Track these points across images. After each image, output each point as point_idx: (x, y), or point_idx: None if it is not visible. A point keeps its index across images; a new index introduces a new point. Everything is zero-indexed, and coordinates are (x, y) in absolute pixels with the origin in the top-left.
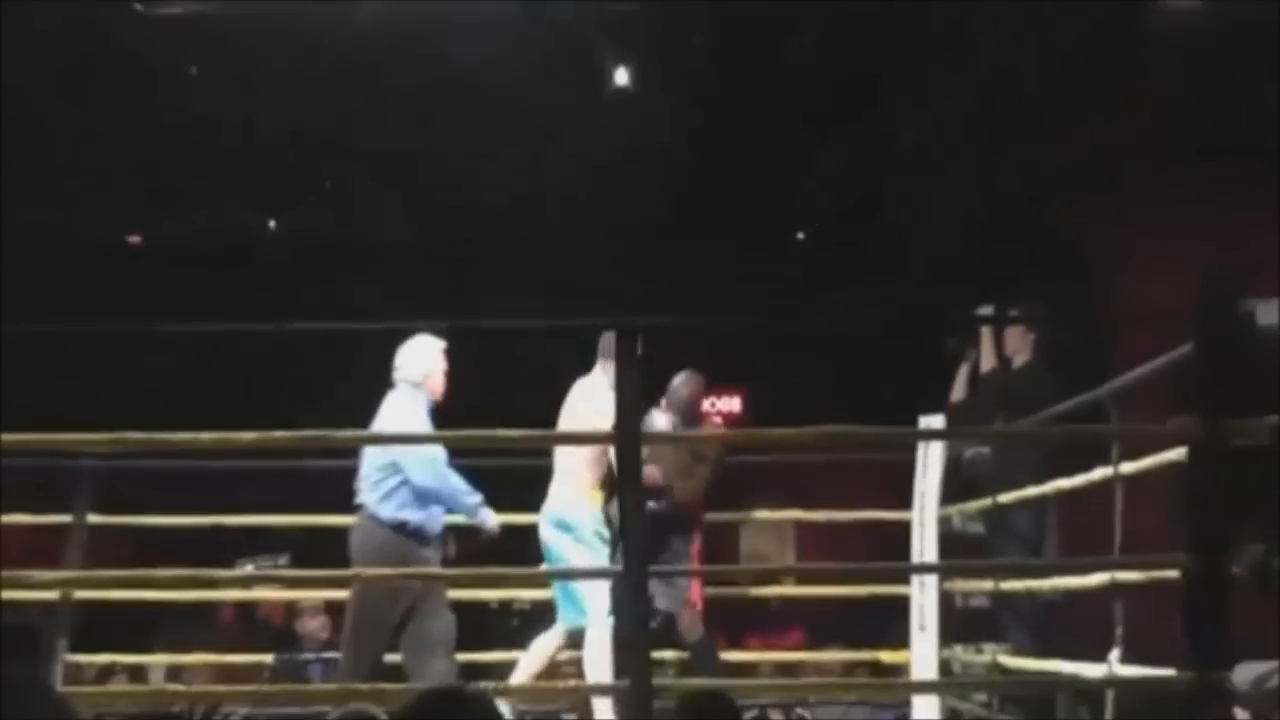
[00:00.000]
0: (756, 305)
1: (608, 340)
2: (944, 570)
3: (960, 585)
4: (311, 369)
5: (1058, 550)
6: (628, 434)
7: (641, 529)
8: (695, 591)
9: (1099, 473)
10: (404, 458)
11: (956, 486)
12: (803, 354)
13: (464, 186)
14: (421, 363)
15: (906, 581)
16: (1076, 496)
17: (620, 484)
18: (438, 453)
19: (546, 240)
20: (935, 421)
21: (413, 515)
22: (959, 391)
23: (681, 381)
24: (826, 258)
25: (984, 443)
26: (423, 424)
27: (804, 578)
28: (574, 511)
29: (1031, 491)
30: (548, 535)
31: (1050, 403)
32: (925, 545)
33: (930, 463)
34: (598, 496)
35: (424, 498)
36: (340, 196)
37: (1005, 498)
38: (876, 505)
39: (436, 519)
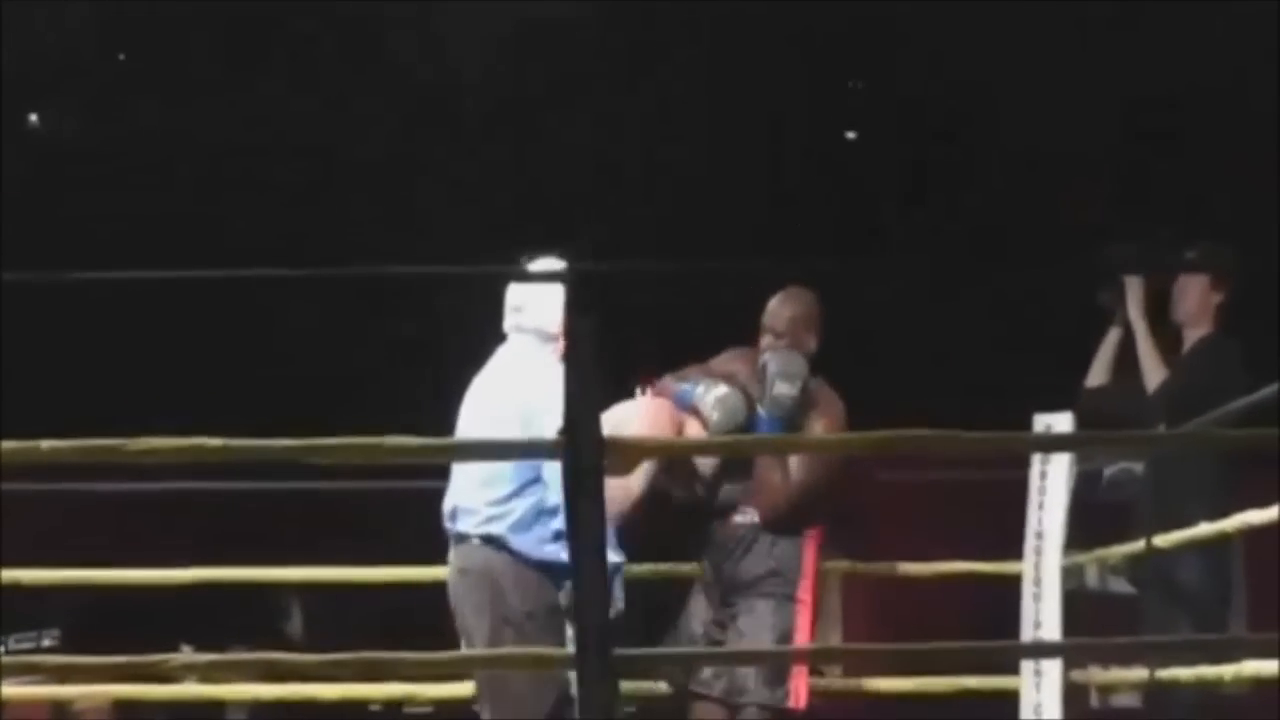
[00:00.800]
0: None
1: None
2: (1072, 651)
3: (1099, 675)
4: None
5: (1248, 618)
6: (582, 429)
7: (603, 580)
8: (801, 681)
9: None
10: (553, 464)
11: (1092, 523)
12: (856, 318)
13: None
14: (558, 306)
15: (1014, 669)
16: (1274, 539)
17: (570, 506)
18: None
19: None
20: (1061, 424)
21: (561, 553)
22: (1100, 373)
23: (781, 301)
24: (886, 168)
25: (1136, 455)
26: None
27: (857, 664)
28: None
29: (1208, 529)
30: None
31: (1238, 394)
32: (1043, 613)
33: (1051, 486)
34: None
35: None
36: None
37: (1168, 539)
38: (966, 553)
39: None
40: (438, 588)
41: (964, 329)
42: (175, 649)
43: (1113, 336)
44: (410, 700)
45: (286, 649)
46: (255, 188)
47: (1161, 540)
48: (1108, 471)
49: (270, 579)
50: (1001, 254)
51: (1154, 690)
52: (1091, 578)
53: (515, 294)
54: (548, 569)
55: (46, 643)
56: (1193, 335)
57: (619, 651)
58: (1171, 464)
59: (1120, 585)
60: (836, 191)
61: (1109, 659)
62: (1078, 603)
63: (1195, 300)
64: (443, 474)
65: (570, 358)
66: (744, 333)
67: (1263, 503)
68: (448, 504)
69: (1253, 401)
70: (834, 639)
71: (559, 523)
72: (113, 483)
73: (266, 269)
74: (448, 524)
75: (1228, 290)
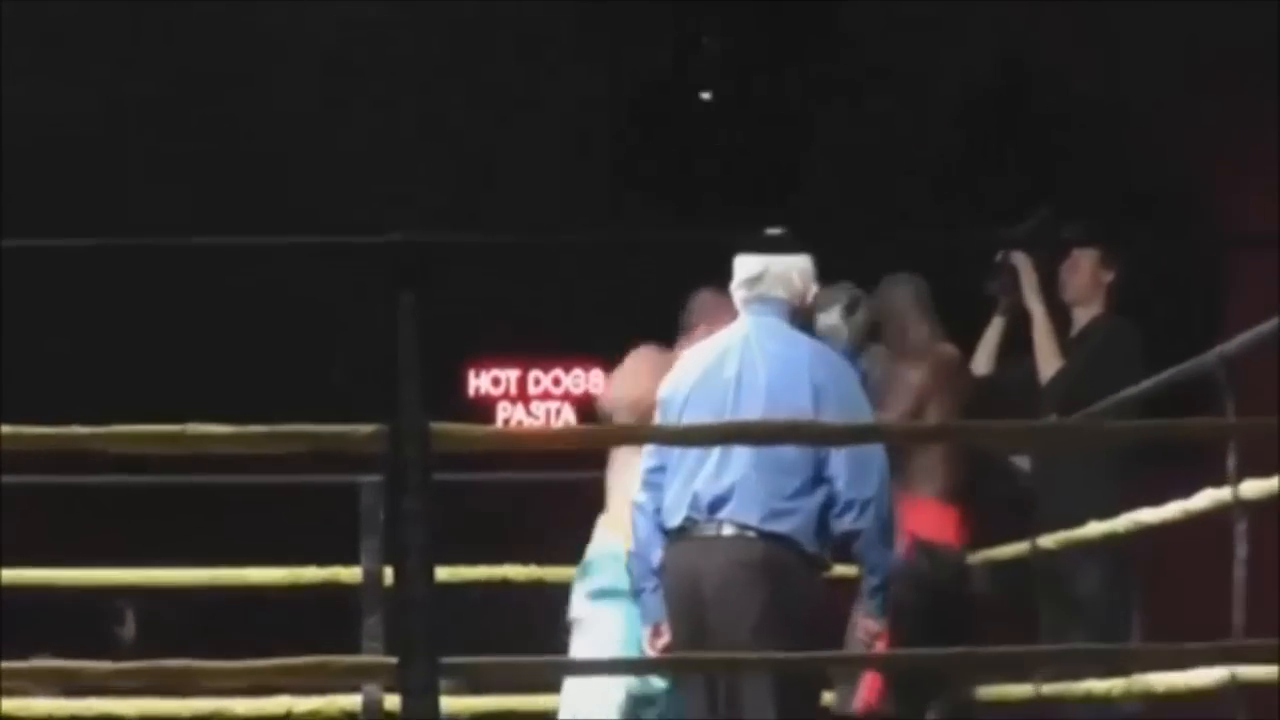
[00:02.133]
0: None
1: (698, 302)
2: (953, 663)
3: (984, 691)
4: None
5: (1141, 627)
6: (406, 417)
7: (427, 584)
8: (871, 685)
9: (1206, 498)
10: (843, 454)
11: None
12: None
13: None
14: (804, 272)
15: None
16: (1172, 537)
17: (391, 504)
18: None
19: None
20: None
21: (826, 555)
22: (984, 361)
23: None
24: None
25: (1018, 449)
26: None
27: None
28: (608, 565)
29: (1098, 529)
30: (581, 613)
31: (1131, 382)
32: None
33: None
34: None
35: (871, 532)
36: None
37: (1054, 540)
38: None
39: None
40: (306, 592)
41: None
42: None
43: (998, 324)
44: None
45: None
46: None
47: (1049, 541)
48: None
49: (93, 581)
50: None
51: (1044, 705)
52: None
53: (749, 262)
54: (824, 566)
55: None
56: (1084, 316)
57: (445, 660)
58: (1062, 459)
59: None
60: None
61: (994, 672)
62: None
63: (1086, 278)
64: (331, 467)
65: (394, 337)
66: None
67: (1156, 500)
68: (699, 491)
69: (1146, 389)
70: None
71: (841, 523)
72: None
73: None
74: (690, 512)
75: (1119, 268)
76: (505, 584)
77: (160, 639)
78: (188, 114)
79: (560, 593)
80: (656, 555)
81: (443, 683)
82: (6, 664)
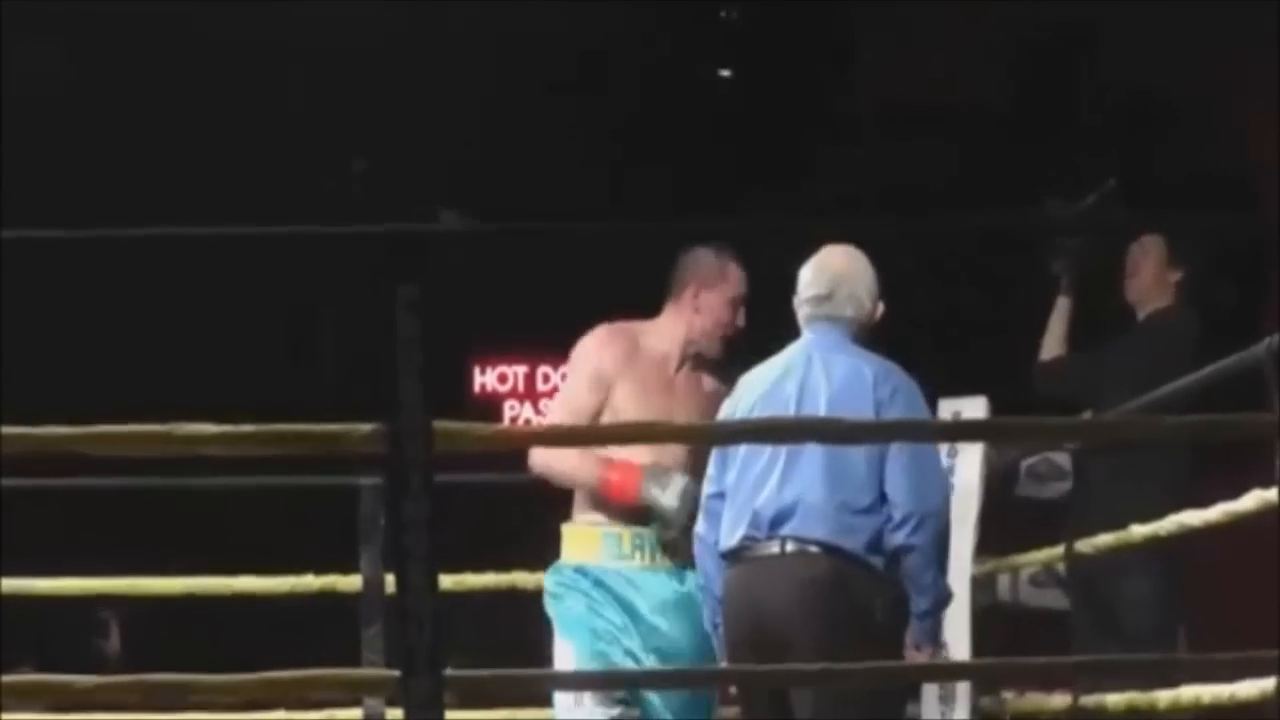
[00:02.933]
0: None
1: (692, 260)
2: (983, 674)
3: (1020, 703)
4: None
5: (1186, 635)
6: (407, 415)
7: (427, 586)
8: None
9: (1253, 499)
10: (903, 467)
11: (1008, 525)
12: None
13: None
14: (872, 291)
15: (913, 697)
16: (1217, 541)
17: (392, 507)
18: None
19: None
20: (972, 409)
21: (892, 573)
22: (1054, 345)
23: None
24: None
25: (1056, 445)
26: None
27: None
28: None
29: (1140, 533)
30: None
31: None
32: (951, 630)
33: (960, 482)
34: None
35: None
36: None
37: (1097, 542)
38: None
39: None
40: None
41: None
42: None
43: (1063, 305)
44: None
45: (97, 673)
46: None
47: (1090, 544)
48: (1026, 463)
49: (75, 591)
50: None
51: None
52: (1005, 588)
53: (819, 278)
54: (892, 583)
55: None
56: (1148, 306)
57: (449, 673)
58: (1107, 458)
59: (1045, 597)
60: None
61: (1032, 685)
62: (993, 619)
63: (1149, 279)
64: (328, 468)
65: (395, 331)
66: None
67: (1204, 501)
68: (766, 504)
69: (1200, 380)
70: None
71: (895, 538)
72: None
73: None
74: (750, 531)
75: (1188, 265)
76: (513, 592)
77: (147, 652)
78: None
79: None
80: (719, 585)
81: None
82: None
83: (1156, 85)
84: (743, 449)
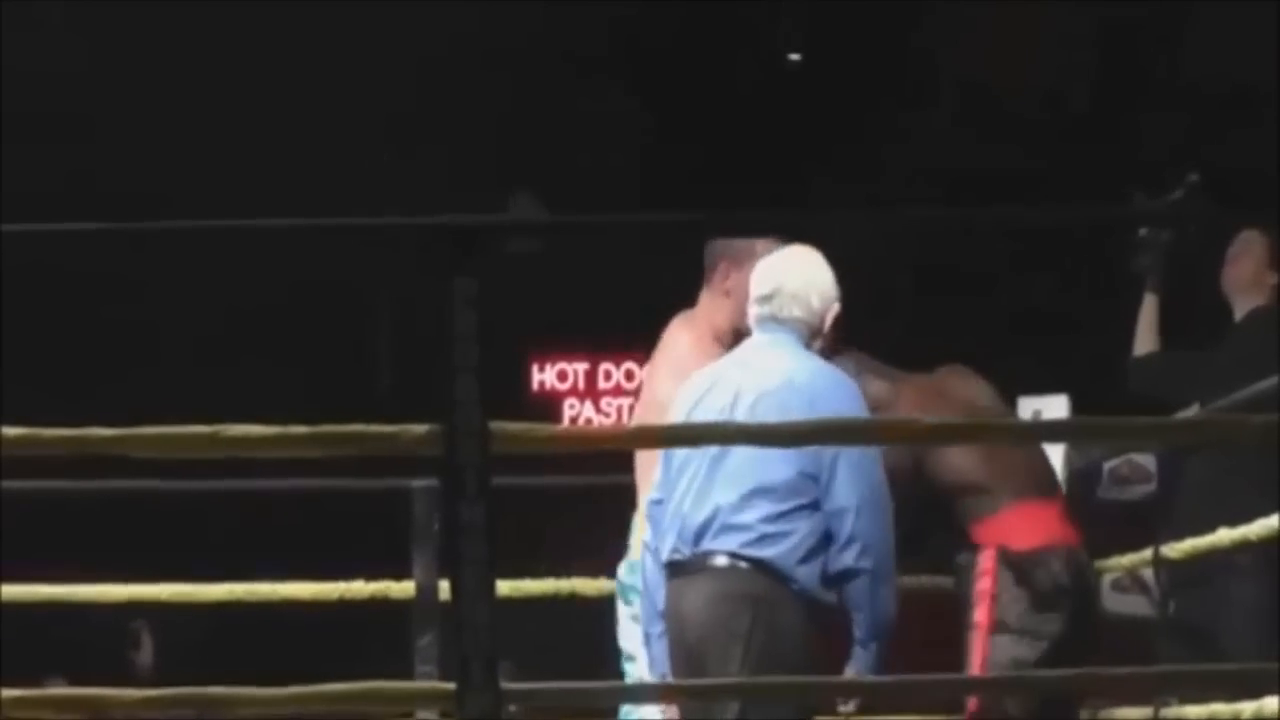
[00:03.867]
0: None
1: (721, 246)
2: (1060, 686)
3: (1103, 717)
4: None
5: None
6: (462, 415)
7: (488, 604)
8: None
9: None
10: (851, 487)
11: (1090, 530)
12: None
13: None
14: (824, 294)
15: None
16: None
17: (448, 512)
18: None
19: None
20: (1054, 409)
21: (822, 592)
22: (1148, 340)
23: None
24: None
25: (1142, 446)
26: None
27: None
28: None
29: (1228, 536)
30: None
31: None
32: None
33: None
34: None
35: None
36: None
37: (1190, 546)
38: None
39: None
40: (335, 610)
41: (924, 292)
42: None
43: (1151, 302)
44: None
45: (130, 685)
46: None
47: (1181, 548)
48: (1108, 465)
49: (107, 598)
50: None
51: None
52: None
53: (765, 279)
54: (817, 602)
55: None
56: (1245, 304)
57: (507, 686)
58: (1199, 460)
59: (1131, 605)
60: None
61: (1118, 699)
62: None
63: (1248, 274)
64: (380, 471)
65: (450, 326)
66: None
67: None
68: (687, 519)
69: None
70: None
71: (842, 560)
72: None
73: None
74: (677, 544)
75: None
76: (574, 599)
77: (181, 664)
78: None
79: None
80: (661, 597)
81: None
82: (17, 692)
83: (1240, 75)
84: (680, 454)
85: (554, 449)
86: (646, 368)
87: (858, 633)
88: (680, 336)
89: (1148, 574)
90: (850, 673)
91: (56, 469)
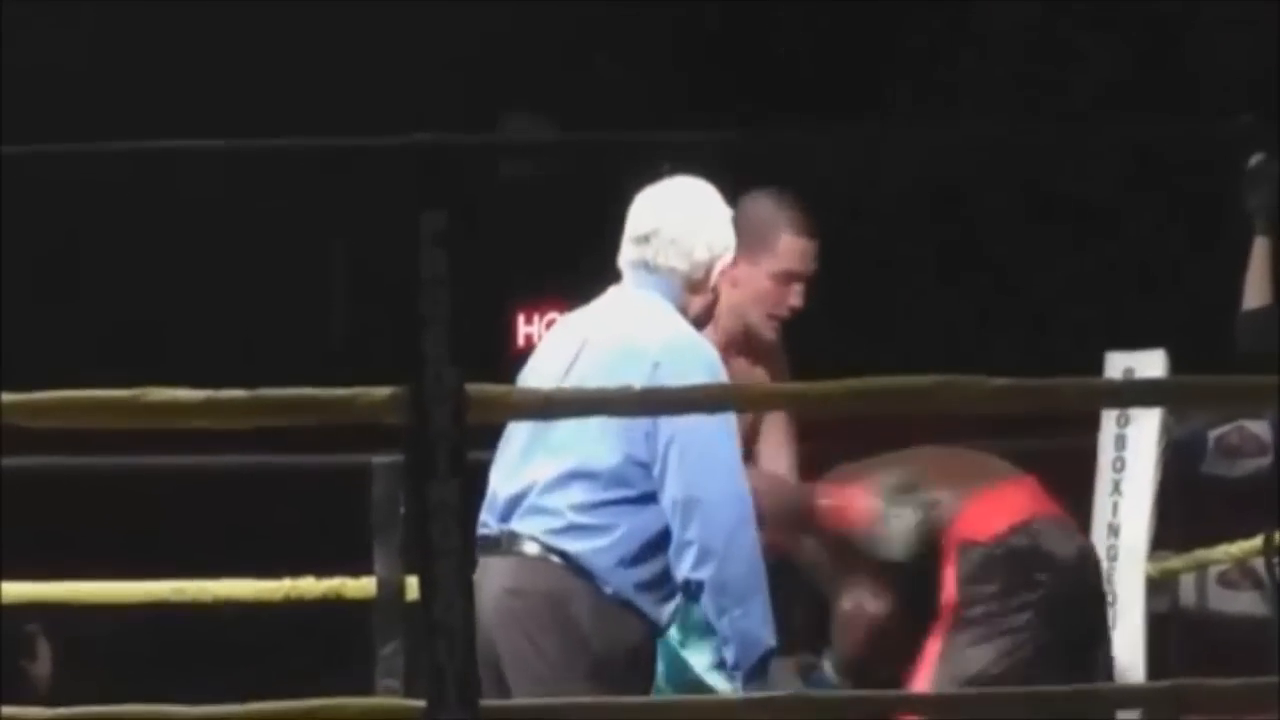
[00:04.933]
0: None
1: (741, 214)
2: (1162, 698)
3: None
4: None
5: None
6: (431, 375)
7: (459, 590)
8: None
9: None
10: (685, 478)
11: (1194, 511)
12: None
13: None
14: (712, 243)
15: None
16: None
17: (414, 493)
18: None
19: None
20: (1149, 366)
21: (663, 612)
22: (1259, 292)
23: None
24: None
25: (1255, 412)
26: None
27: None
28: None
29: None
30: None
31: None
32: (1120, 642)
33: (1132, 459)
34: None
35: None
36: None
37: None
38: None
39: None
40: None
41: (997, 237)
42: None
43: (1262, 246)
44: None
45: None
46: None
47: None
48: (1214, 434)
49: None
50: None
51: None
52: (1190, 589)
53: (643, 216)
54: (634, 612)
55: None
56: None
57: (486, 703)
58: None
59: (1239, 601)
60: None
61: (1219, 708)
62: (1170, 628)
63: None
64: (334, 444)
65: (422, 269)
66: None
67: None
68: (498, 489)
69: None
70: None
71: (679, 568)
72: None
73: None
74: (486, 516)
75: None
76: None
77: (88, 677)
78: None
79: None
80: None
81: None
82: None
83: None
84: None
85: (539, 416)
86: None
87: (726, 658)
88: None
89: (1261, 565)
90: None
91: None
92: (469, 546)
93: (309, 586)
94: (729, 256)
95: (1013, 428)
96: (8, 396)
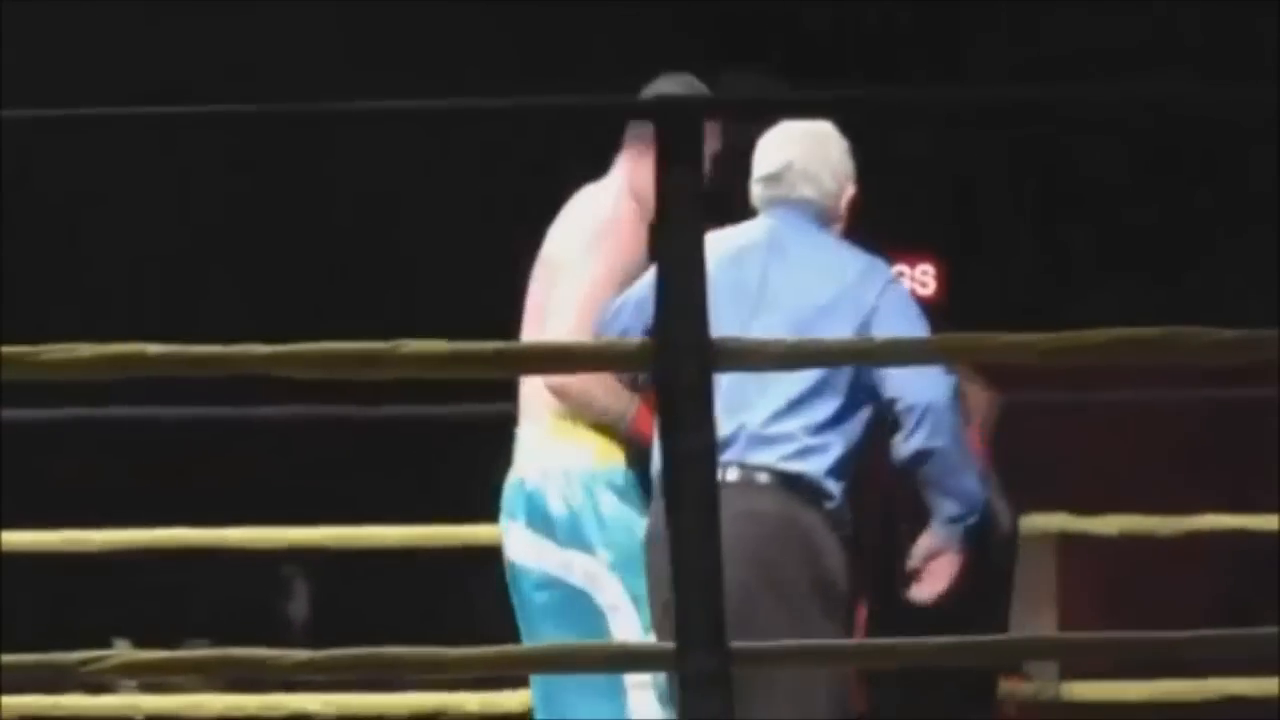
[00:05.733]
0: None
1: (652, 90)
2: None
3: None
4: None
5: None
6: (680, 326)
7: (705, 538)
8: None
9: None
10: (910, 377)
11: None
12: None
13: None
14: (838, 171)
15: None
16: None
17: (665, 438)
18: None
19: None
20: None
21: (849, 508)
22: None
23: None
24: None
25: None
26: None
27: (1077, 660)
28: (576, 485)
29: None
30: (524, 553)
31: None
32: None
33: None
34: (612, 450)
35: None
36: None
37: None
38: (1215, 503)
39: None
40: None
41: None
42: (106, 644)
43: None
44: (443, 713)
45: (280, 644)
46: None
47: None
48: None
49: (257, 543)
50: None
51: None
52: None
53: (771, 155)
54: (849, 521)
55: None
56: None
57: (737, 645)
58: None
59: None
60: None
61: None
62: None
63: None
64: (505, 394)
65: (664, 222)
66: None
67: None
68: (727, 423)
69: None
70: (1047, 625)
71: (917, 441)
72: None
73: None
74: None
75: None
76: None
77: (343, 618)
78: None
79: None
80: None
81: None
82: (167, 654)
83: None
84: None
85: (779, 366)
86: (562, 239)
87: (941, 512)
88: (616, 205)
89: None
90: (925, 548)
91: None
92: (713, 494)
93: None
94: (852, 188)
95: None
96: (277, 348)
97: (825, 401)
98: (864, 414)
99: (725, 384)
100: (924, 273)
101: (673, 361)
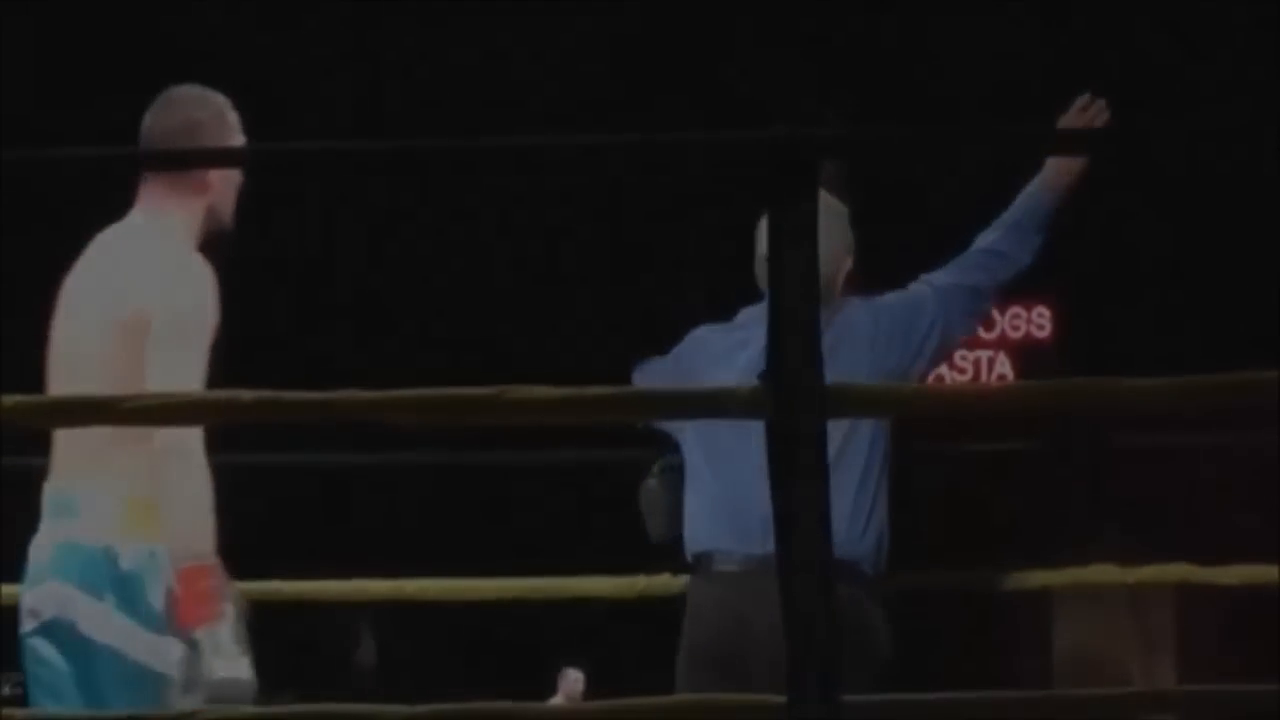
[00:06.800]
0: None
1: (180, 116)
2: None
3: None
4: None
5: None
6: (792, 374)
7: (818, 586)
8: None
9: None
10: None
11: None
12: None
13: None
14: (835, 249)
15: None
16: None
17: (779, 488)
18: None
19: None
20: None
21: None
22: None
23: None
24: None
25: None
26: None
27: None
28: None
29: None
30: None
31: None
32: None
33: None
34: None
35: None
36: None
37: None
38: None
39: None
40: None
41: None
42: None
43: None
44: None
45: (347, 695)
46: None
47: None
48: None
49: (325, 595)
50: None
51: None
52: None
53: (763, 238)
54: (881, 580)
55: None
56: None
57: (851, 699)
58: None
59: None
60: None
61: None
62: None
63: None
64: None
65: (776, 266)
66: None
67: None
68: (749, 504)
69: None
70: (1167, 675)
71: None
72: None
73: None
74: (728, 543)
75: None
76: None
77: (410, 667)
78: None
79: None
80: None
81: None
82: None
83: None
84: (696, 426)
85: (899, 413)
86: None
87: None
88: (179, 246)
89: None
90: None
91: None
92: (826, 541)
93: (640, 584)
94: (849, 262)
95: None
96: (379, 394)
97: (865, 479)
98: (885, 480)
99: (730, 451)
100: (1040, 315)
101: (788, 405)
